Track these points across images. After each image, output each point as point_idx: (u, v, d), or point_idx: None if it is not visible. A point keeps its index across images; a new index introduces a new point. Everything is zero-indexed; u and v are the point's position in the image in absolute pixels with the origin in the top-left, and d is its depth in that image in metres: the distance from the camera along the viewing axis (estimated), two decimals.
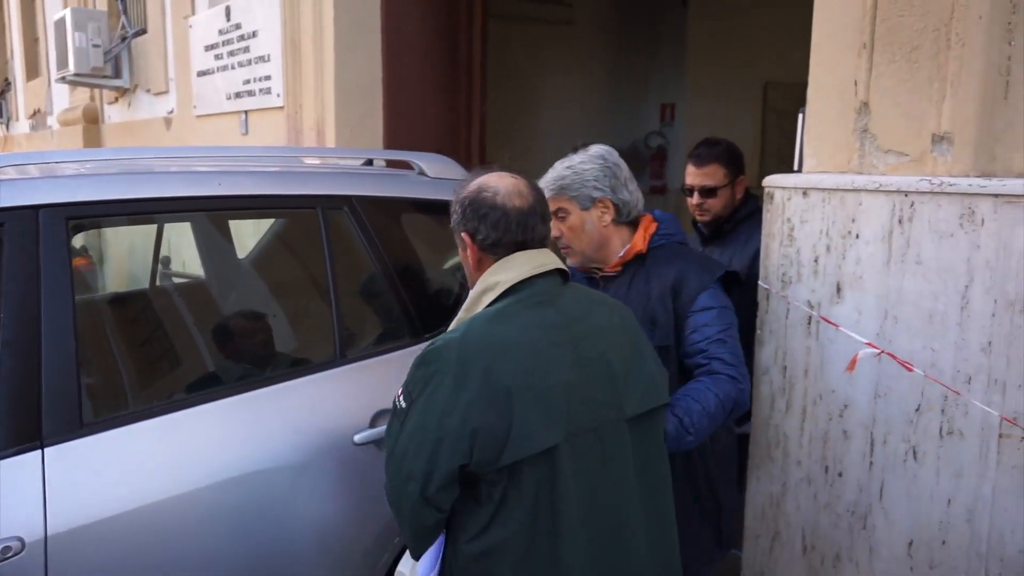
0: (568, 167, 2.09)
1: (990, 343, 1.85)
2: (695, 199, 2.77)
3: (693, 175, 2.76)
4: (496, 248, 1.63)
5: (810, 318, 2.16)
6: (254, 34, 4.86)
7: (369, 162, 2.81)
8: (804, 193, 2.18)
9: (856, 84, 2.13)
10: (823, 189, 2.14)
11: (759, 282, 2.30)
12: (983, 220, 1.86)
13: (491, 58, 4.68)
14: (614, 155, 2.14)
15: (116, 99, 7.14)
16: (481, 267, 1.65)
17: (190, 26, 5.64)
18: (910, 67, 2.02)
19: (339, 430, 2.05)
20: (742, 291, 2.28)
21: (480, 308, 1.61)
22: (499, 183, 1.65)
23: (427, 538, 1.57)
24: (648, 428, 1.70)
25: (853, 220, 2.08)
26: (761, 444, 2.32)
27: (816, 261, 2.15)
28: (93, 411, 1.81)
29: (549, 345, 1.56)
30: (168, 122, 6.19)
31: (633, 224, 2.16)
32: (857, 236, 2.07)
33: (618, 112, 7.43)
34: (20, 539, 1.58)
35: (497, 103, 4.82)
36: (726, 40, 7.16)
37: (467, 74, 4.59)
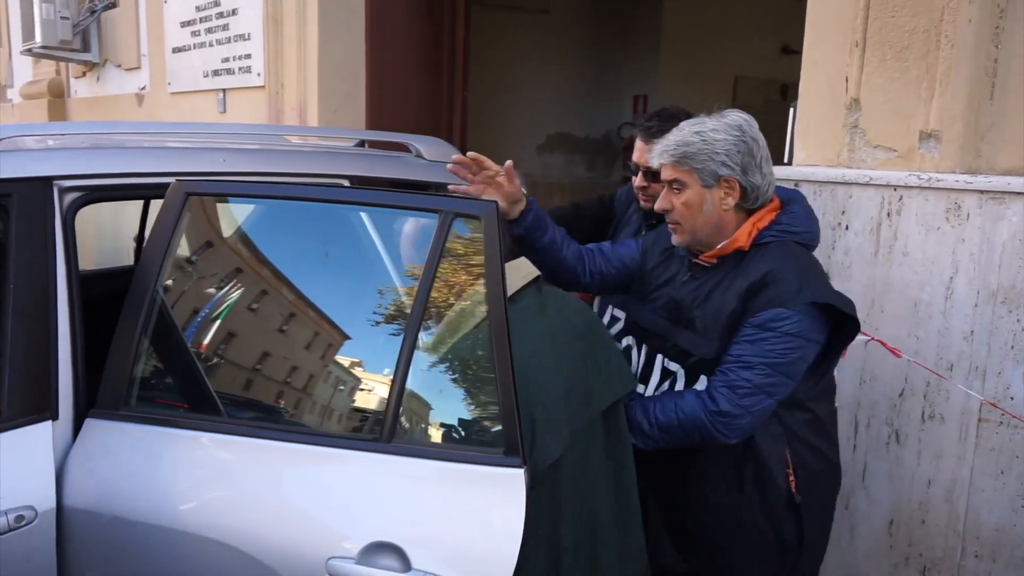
0: (697, 132, 1.77)
1: (972, 331, 1.95)
2: (638, 180, 2.27)
3: (639, 151, 2.25)
4: None
5: None
6: (234, 11, 4.80)
7: (361, 144, 2.82)
8: (795, 185, 2.26)
9: (847, 81, 2.21)
10: (814, 182, 2.22)
11: None
12: (968, 215, 1.95)
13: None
14: (754, 127, 1.79)
15: (84, 73, 6.99)
16: None
17: (165, 1, 5.55)
18: (900, 66, 2.11)
19: None
20: None
21: None
22: None
23: None
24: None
25: (843, 212, 2.16)
26: None
27: None
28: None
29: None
30: (140, 98, 6.08)
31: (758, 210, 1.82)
32: (847, 228, 2.15)
33: (592, 102, 7.48)
34: (32, 508, 1.58)
35: (472, 88, 4.84)
36: (699, 34, 7.28)
37: (450, 57, 4.60)
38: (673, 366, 1.86)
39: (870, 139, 2.17)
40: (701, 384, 1.80)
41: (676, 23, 7.28)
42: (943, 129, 2.03)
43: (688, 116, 2.24)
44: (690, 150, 1.76)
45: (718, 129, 1.76)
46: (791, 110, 2.40)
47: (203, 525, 1.54)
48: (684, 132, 1.79)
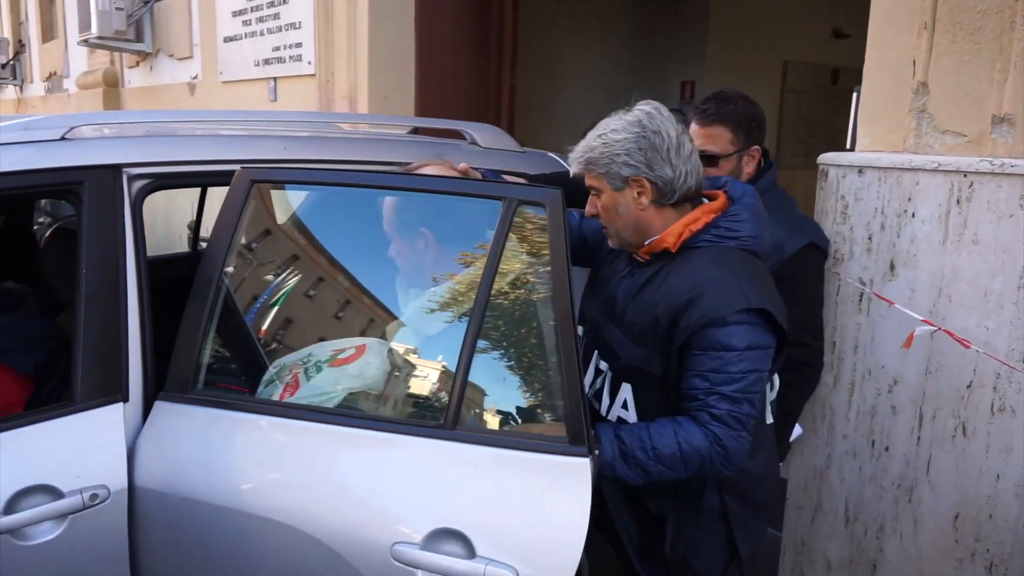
0: (599, 135, 1.72)
1: None
2: None
3: (694, 135, 2.17)
4: None
5: (861, 295, 2.20)
6: (285, 0, 4.84)
7: (415, 131, 2.82)
8: (859, 171, 2.21)
9: (915, 64, 2.15)
10: (879, 168, 2.16)
11: None
12: None
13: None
14: (657, 118, 1.70)
15: (137, 63, 7.12)
16: None
17: None
18: (972, 48, 2.04)
19: None
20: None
21: None
22: None
23: None
24: None
25: (909, 199, 2.10)
26: (807, 418, 2.36)
27: (870, 239, 2.18)
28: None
29: None
30: (192, 87, 6.18)
31: (694, 204, 1.77)
32: (913, 215, 2.10)
33: (639, 87, 7.38)
34: (105, 487, 1.63)
35: (519, 75, 4.81)
36: (748, 19, 7.15)
37: (498, 44, 4.59)
38: (603, 365, 1.83)
39: (938, 124, 2.11)
40: (625, 392, 1.75)
41: (724, 7, 7.16)
42: (1017, 113, 1.96)
43: (746, 99, 2.25)
44: (592, 155, 1.71)
45: (618, 129, 1.70)
46: (854, 94, 2.34)
47: (267, 507, 1.57)
48: (589, 137, 1.74)
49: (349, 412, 1.60)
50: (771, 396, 1.89)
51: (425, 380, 1.59)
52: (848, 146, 2.34)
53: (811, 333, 2.21)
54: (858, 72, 2.34)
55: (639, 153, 1.67)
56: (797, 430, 2.27)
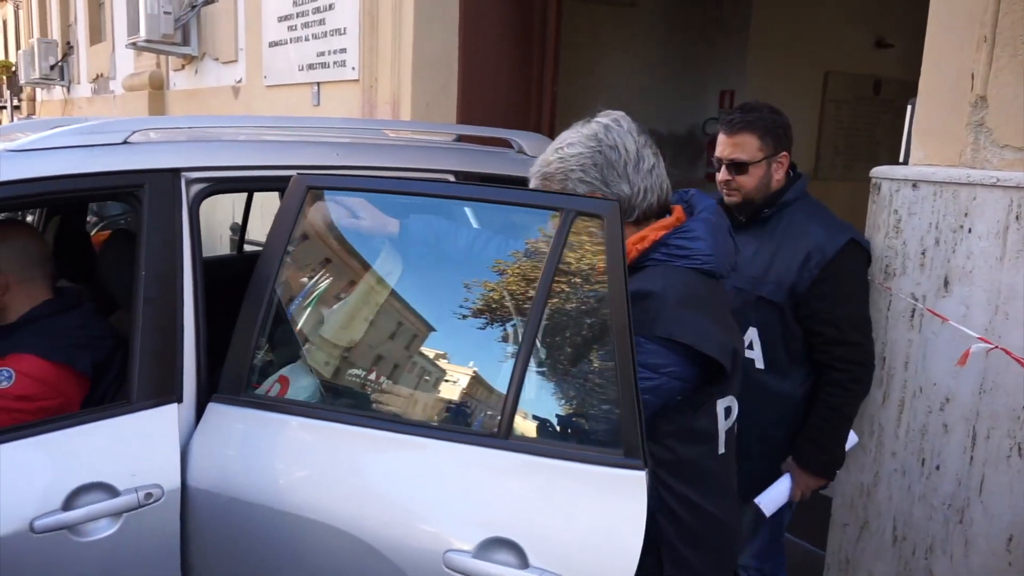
0: (556, 149, 1.64)
1: None
2: (722, 174, 2.23)
3: (721, 145, 2.23)
4: None
5: (914, 310, 2.17)
6: (330, 6, 4.89)
7: (459, 139, 2.84)
8: (914, 185, 2.17)
9: (973, 77, 2.11)
10: (934, 182, 2.13)
11: None
12: None
13: None
14: (614, 131, 1.61)
15: (183, 66, 7.25)
16: None
17: None
18: None
19: None
20: (795, 309, 2.13)
21: None
22: None
23: None
24: None
25: (966, 214, 2.07)
26: (855, 434, 2.32)
27: (923, 254, 2.15)
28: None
29: None
30: (236, 91, 6.27)
31: (659, 218, 1.66)
32: (969, 230, 2.06)
33: (677, 96, 7.37)
34: (159, 486, 1.65)
35: (559, 81, 4.81)
36: (789, 27, 7.08)
37: (540, 51, 4.59)
38: None
39: (997, 138, 2.07)
40: None
41: (766, 16, 7.10)
42: None
43: (773, 111, 2.24)
44: (548, 170, 1.63)
45: (574, 143, 1.61)
46: (908, 107, 2.31)
47: (318, 511, 1.58)
48: (547, 151, 1.66)
49: (402, 419, 1.61)
50: (725, 425, 1.66)
51: (481, 388, 1.59)
52: (901, 159, 2.31)
53: (859, 331, 2.19)
54: (901, 83, 2.33)
55: (594, 169, 1.59)
56: (852, 438, 2.24)
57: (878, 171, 2.29)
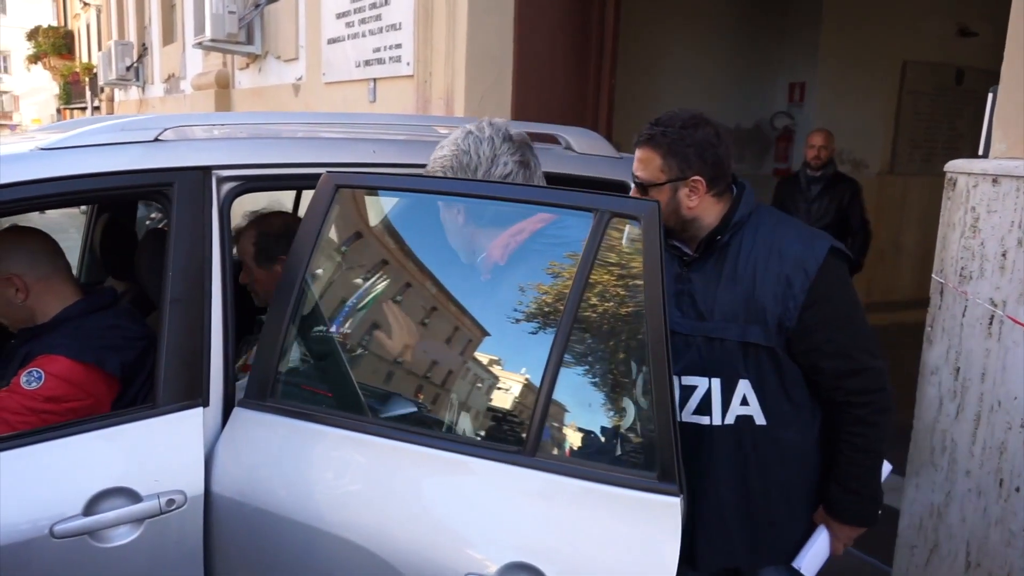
0: (438, 147, 1.80)
1: None
2: (632, 192, 1.87)
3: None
4: None
5: (992, 317, 1.99)
6: (386, 2, 4.87)
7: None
8: (994, 180, 1.99)
9: None
10: (1017, 177, 1.95)
11: (932, 275, 2.13)
12: None
13: None
14: (473, 136, 1.74)
15: (247, 65, 7.35)
16: None
17: None
18: None
19: None
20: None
21: None
22: None
23: None
24: None
25: None
26: (923, 449, 2.16)
27: (1004, 255, 1.97)
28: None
29: None
30: (296, 88, 6.32)
31: None
32: None
33: (744, 90, 7.14)
34: (183, 492, 1.61)
35: (619, 75, 4.67)
36: (864, 15, 6.78)
37: (598, 44, 4.46)
38: None
39: None
40: None
41: (838, 3, 6.81)
42: None
43: (689, 125, 1.76)
44: (427, 168, 1.79)
45: (444, 145, 1.77)
46: (989, 96, 2.12)
47: (340, 525, 1.52)
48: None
49: (428, 432, 1.53)
50: None
51: (509, 402, 1.50)
52: (980, 152, 2.12)
53: (868, 352, 1.76)
54: (986, 72, 2.14)
55: (451, 172, 1.73)
56: (886, 468, 1.91)
57: (954, 164, 2.11)
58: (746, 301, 1.71)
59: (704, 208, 1.76)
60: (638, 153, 1.79)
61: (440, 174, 1.74)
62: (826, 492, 1.80)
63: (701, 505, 1.75)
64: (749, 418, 1.74)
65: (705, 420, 1.74)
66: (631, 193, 1.85)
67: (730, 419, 1.73)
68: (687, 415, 1.75)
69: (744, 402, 1.75)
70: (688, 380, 1.74)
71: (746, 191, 1.81)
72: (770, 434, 1.75)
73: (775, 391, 1.74)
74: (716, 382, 1.73)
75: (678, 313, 1.76)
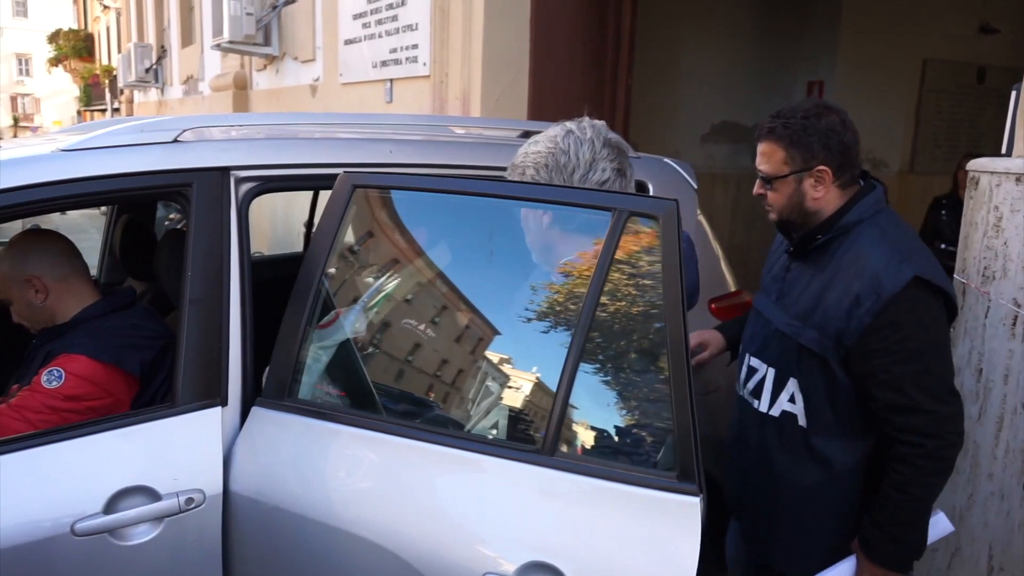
0: (529, 143, 1.72)
1: None
2: (756, 187, 1.85)
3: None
4: None
5: (1016, 318, 1.96)
6: (403, 2, 4.88)
7: (525, 135, 2.74)
8: (1017, 179, 1.97)
9: None
10: None
11: (955, 275, 2.10)
12: None
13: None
14: (573, 137, 1.64)
15: (265, 66, 7.39)
16: None
17: None
18: None
19: None
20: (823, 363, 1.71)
21: None
22: None
23: None
24: None
25: None
26: None
27: None
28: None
29: None
30: (314, 89, 6.34)
31: None
32: None
33: (761, 88, 7.08)
34: (201, 491, 1.62)
35: (635, 74, 4.65)
36: (884, 13, 6.71)
37: (615, 44, 4.45)
38: None
39: None
40: None
41: (858, 2, 6.75)
42: None
43: (811, 116, 1.75)
44: (515, 161, 1.71)
45: (539, 140, 1.67)
46: (1012, 93, 2.10)
47: (357, 524, 1.52)
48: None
49: (446, 431, 1.53)
50: None
51: (526, 400, 1.50)
52: (1004, 151, 2.10)
53: (930, 394, 1.63)
54: (1009, 70, 2.11)
55: (544, 170, 1.62)
56: (942, 524, 1.80)
57: (976, 163, 2.08)
58: (815, 305, 1.71)
59: (828, 200, 1.75)
60: (760, 147, 1.79)
61: (531, 170, 1.62)
62: (863, 521, 1.73)
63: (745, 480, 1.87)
64: (793, 416, 1.76)
65: (755, 403, 1.83)
66: (755, 189, 1.84)
67: (776, 411, 1.79)
68: (745, 391, 1.88)
69: (791, 400, 1.77)
70: (754, 361, 1.86)
71: (868, 197, 1.75)
72: (809, 438, 1.74)
73: (821, 398, 1.72)
74: (771, 372, 1.80)
75: (772, 297, 1.86)
